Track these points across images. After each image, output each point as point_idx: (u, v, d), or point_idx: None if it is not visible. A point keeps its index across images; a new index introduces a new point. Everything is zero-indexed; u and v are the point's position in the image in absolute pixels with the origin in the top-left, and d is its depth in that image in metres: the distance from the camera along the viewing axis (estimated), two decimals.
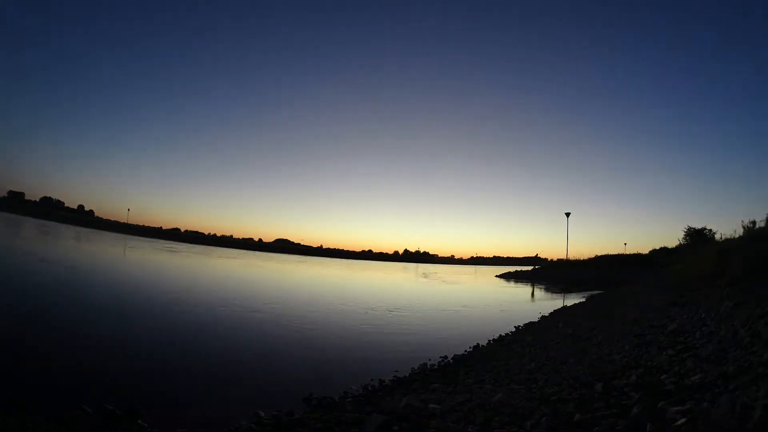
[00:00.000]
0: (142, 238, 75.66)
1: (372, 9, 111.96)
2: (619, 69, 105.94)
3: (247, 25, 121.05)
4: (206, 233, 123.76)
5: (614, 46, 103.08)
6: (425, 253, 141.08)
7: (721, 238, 15.13)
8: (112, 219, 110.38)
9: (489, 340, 10.44)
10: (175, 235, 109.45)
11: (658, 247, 33.97)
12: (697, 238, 19.42)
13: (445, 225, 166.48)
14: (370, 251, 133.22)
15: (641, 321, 8.18)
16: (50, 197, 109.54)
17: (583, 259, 42.96)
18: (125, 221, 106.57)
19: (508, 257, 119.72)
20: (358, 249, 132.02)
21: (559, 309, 17.17)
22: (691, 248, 17.28)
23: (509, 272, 50.49)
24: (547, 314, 15.34)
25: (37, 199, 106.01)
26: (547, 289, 31.61)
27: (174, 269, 28.12)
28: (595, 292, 24.48)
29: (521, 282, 40.86)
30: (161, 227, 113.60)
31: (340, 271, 46.54)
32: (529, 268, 53.92)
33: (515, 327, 12.59)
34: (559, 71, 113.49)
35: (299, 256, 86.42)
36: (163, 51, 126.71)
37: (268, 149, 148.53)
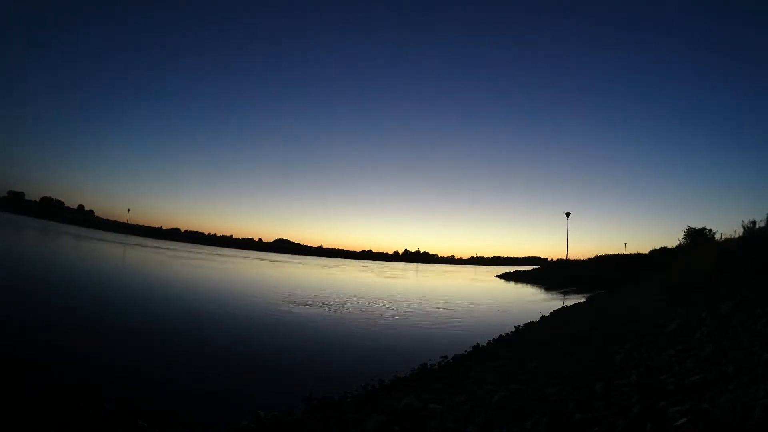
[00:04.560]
0: (143, 239, 75.72)
1: (370, 11, 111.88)
2: (620, 69, 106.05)
3: (250, 26, 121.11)
4: (206, 233, 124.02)
5: (614, 47, 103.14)
6: (425, 253, 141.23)
7: (721, 238, 15.08)
8: (112, 219, 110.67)
9: (489, 340, 10.43)
10: (175, 235, 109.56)
11: (658, 247, 33.79)
12: (697, 238, 19.34)
13: (446, 225, 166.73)
14: (370, 251, 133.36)
15: (641, 321, 8.18)
16: (50, 197, 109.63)
17: (583, 259, 42.93)
18: (125, 221, 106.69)
19: (508, 257, 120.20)
20: (358, 249, 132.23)
21: (559, 309, 17.17)
22: (691, 248, 17.23)
23: (509, 272, 50.46)
24: (547, 314, 15.34)
25: (37, 199, 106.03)
26: (547, 290, 31.58)
27: (173, 272, 28.11)
28: (595, 292, 24.47)
29: (521, 282, 40.83)
30: (161, 227, 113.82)
31: (340, 271, 46.50)
32: (530, 268, 53.91)
33: (515, 327, 12.59)
34: (559, 72, 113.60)
35: (299, 256, 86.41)
36: (163, 52, 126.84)
37: (268, 150, 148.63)
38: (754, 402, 2.56)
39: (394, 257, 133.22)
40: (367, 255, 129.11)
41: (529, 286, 36.61)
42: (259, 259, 57.52)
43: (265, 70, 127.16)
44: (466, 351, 9.18)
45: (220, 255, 55.38)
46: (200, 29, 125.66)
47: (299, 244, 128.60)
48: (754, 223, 11.68)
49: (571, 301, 21.21)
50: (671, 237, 71.78)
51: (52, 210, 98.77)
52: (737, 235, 12.09)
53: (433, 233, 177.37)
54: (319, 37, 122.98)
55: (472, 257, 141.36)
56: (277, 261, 55.84)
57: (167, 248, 54.45)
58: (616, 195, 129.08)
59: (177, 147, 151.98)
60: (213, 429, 4.64)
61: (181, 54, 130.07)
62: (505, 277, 47.07)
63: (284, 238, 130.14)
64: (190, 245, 79.02)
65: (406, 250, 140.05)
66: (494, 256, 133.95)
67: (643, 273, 24.66)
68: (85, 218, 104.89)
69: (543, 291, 31.14)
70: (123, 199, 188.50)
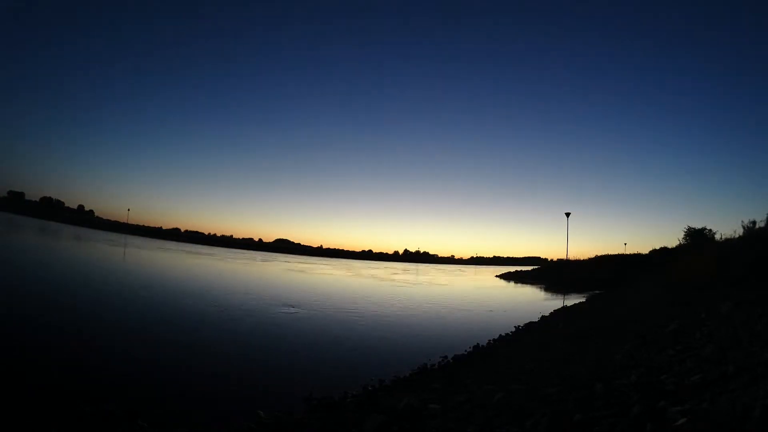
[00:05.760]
0: (143, 238, 75.78)
1: (373, 14, 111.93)
2: (619, 69, 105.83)
3: (250, 28, 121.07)
4: (206, 233, 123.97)
5: (614, 46, 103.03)
6: (425, 253, 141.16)
7: (721, 238, 15.11)
8: (112, 219, 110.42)
9: (489, 340, 10.43)
10: (175, 235, 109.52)
11: (658, 247, 33.78)
12: (697, 238, 19.35)
13: (446, 225, 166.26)
14: (370, 251, 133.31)
15: (641, 321, 8.18)
16: (50, 197, 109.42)
17: (583, 259, 42.85)
18: (125, 221, 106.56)
19: (508, 257, 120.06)
20: (358, 249, 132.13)
21: (559, 309, 17.17)
22: (691, 248, 17.24)
23: (509, 272, 50.47)
24: (547, 314, 15.34)
25: (37, 199, 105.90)
26: (547, 289, 31.60)
27: (175, 270, 28.11)
28: (595, 292, 24.48)
29: (521, 282, 40.85)
30: (161, 227, 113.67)
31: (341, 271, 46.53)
32: (530, 268, 53.91)
33: (515, 327, 12.59)
34: (559, 71, 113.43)
35: (299, 256, 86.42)
36: (163, 52, 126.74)
37: (268, 149, 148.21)
38: (754, 402, 2.56)
39: (394, 257, 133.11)
40: (367, 255, 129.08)
41: (529, 286, 36.62)
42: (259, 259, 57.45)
43: (265, 71, 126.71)
44: (466, 351, 9.18)
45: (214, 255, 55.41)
46: (200, 31, 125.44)
47: (299, 244, 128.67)
48: (754, 223, 11.71)
49: (571, 301, 21.21)
50: (671, 237, 71.78)
51: (52, 210, 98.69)
52: (737, 235, 12.11)
53: (433, 233, 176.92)
54: (317, 39, 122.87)
55: (472, 257, 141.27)
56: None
57: (168, 248, 54.49)
58: (616, 195, 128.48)
59: (177, 147, 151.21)
60: (213, 429, 4.64)
61: (181, 55, 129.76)
62: (505, 277, 47.08)
63: (284, 238, 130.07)
64: (190, 245, 79.08)
65: (406, 250, 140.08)
66: (494, 256, 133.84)
67: (643, 273, 24.69)
68: (85, 218, 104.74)
69: (543, 291, 31.15)
70: (123, 199, 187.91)
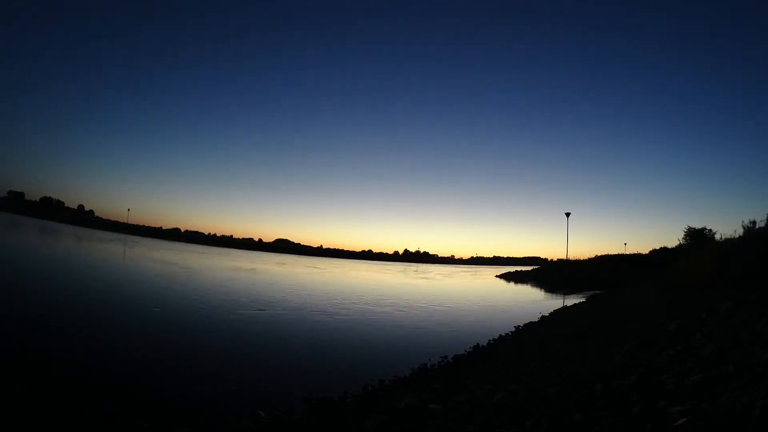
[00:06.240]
0: (144, 238, 75.78)
1: (372, 15, 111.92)
2: (619, 69, 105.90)
3: (250, 29, 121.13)
4: (206, 233, 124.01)
5: (614, 46, 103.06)
6: (425, 253, 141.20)
7: (721, 238, 15.09)
8: (112, 219, 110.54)
9: (489, 340, 10.43)
10: (175, 235, 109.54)
11: (658, 247, 33.82)
12: (697, 238, 19.34)
13: (446, 225, 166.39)
14: (369, 251, 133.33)
15: (641, 321, 8.18)
16: (50, 197, 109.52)
17: (583, 259, 42.82)
18: (125, 221, 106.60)
19: (508, 257, 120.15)
20: (357, 249, 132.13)
21: (559, 309, 17.17)
22: (691, 248, 17.23)
23: (509, 272, 50.46)
24: (547, 314, 15.34)
25: (37, 199, 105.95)
26: (547, 290, 31.57)
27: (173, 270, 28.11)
28: (595, 292, 24.47)
29: (521, 282, 40.82)
30: (161, 227, 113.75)
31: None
32: (530, 268, 53.91)
33: (515, 327, 12.59)
34: (559, 71, 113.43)
35: (299, 256, 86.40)
36: (162, 51, 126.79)
37: (268, 149, 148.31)
38: (754, 402, 2.56)
39: (394, 257, 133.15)
40: (367, 255, 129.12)
41: (529, 286, 36.60)
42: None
43: (265, 71, 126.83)
44: (466, 351, 9.17)
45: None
46: (200, 31, 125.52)
47: (299, 244, 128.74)
48: (754, 223, 11.68)
49: (571, 301, 21.20)
50: (671, 237, 71.78)
51: (52, 210, 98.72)
52: (737, 235, 12.10)
53: (433, 233, 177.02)
54: (317, 39, 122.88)
55: (472, 257, 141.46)
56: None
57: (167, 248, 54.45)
58: (616, 195, 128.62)
59: (177, 147, 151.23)
60: (213, 429, 4.63)
61: (181, 55, 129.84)
62: (505, 277, 47.06)
63: (284, 238, 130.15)
64: (190, 245, 79.06)
65: (406, 250, 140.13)
66: (494, 256, 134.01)
67: (643, 273, 24.66)
68: (85, 218, 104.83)
69: (543, 291, 31.14)
70: (123, 199, 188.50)
